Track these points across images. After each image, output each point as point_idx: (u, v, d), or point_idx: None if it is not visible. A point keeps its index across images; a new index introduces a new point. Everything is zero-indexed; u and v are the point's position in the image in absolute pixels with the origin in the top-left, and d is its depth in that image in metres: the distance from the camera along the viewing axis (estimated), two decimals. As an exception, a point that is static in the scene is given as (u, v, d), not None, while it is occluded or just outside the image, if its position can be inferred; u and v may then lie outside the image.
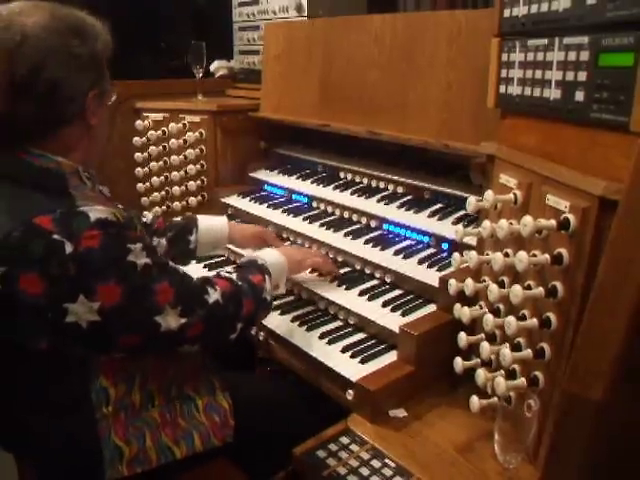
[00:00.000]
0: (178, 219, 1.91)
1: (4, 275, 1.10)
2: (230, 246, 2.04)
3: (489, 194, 1.29)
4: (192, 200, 2.53)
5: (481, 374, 1.28)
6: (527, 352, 1.19)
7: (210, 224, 1.90)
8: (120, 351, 1.25)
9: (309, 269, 1.82)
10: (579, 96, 1.11)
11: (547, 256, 1.12)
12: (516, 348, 1.23)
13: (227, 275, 1.45)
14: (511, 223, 1.21)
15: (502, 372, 1.26)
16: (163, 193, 2.57)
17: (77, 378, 1.27)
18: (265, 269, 1.53)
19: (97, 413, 1.29)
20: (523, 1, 1.27)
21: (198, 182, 2.53)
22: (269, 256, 1.62)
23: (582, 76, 1.10)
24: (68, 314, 1.13)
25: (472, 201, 1.32)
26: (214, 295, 1.33)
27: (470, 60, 1.74)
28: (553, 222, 1.10)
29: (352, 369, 1.47)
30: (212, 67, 3.03)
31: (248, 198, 2.43)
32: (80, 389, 1.28)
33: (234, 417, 1.46)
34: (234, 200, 2.45)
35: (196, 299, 1.30)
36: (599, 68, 1.05)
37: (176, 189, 2.53)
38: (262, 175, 2.52)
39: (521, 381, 1.21)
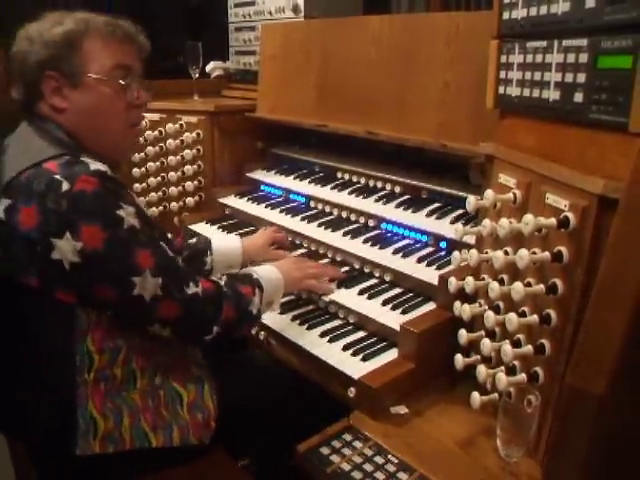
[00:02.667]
0: (192, 241, 1.93)
1: (8, 207, 1.24)
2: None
3: (489, 193, 1.31)
4: (189, 200, 2.54)
5: (482, 370, 1.30)
6: (527, 348, 1.22)
7: (224, 247, 1.92)
8: (96, 303, 1.29)
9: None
10: (578, 97, 1.13)
11: (547, 254, 1.14)
12: (516, 344, 1.25)
13: (214, 279, 1.46)
14: (511, 222, 1.23)
15: (503, 368, 1.28)
16: (160, 193, 2.58)
17: (66, 331, 1.30)
18: (257, 283, 1.53)
19: (78, 376, 1.31)
20: (522, 4, 1.29)
21: (195, 182, 2.54)
22: (265, 272, 1.61)
23: (581, 78, 1.12)
24: (54, 249, 1.21)
25: (472, 200, 1.34)
26: (194, 289, 1.36)
27: (468, 61, 1.76)
28: (553, 220, 1.12)
29: (354, 367, 1.49)
30: (208, 68, 3.04)
31: (245, 198, 2.44)
32: (66, 345, 1.30)
33: (218, 419, 1.47)
34: (231, 200, 2.46)
35: (176, 281, 1.33)
36: (598, 70, 1.07)
37: (173, 189, 2.54)
38: (259, 175, 2.54)
39: (522, 377, 1.23)
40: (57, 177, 1.22)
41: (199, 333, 1.40)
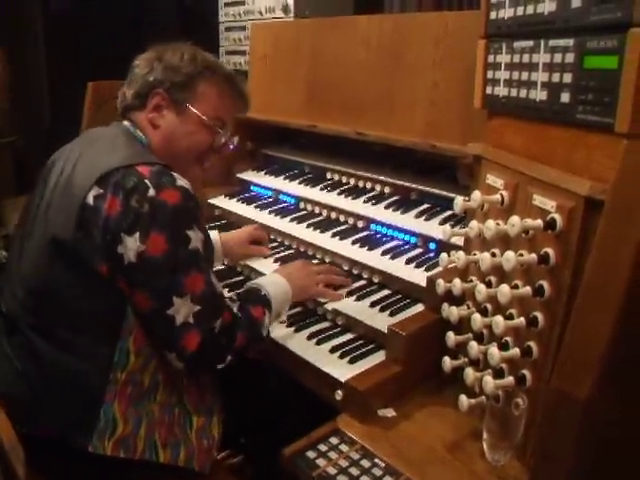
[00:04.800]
0: None
1: (98, 195, 1.31)
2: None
3: (476, 194, 1.30)
4: (179, 201, 2.52)
5: (469, 373, 1.29)
6: (515, 351, 1.21)
7: None
8: (132, 307, 1.33)
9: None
10: (565, 97, 1.12)
11: (534, 256, 1.13)
12: (504, 347, 1.24)
13: (229, 304, 1.46)
14: (498, 223, 1.22)
15: (490, 371, 1.27)
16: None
17: (116, 324, 1.33)
18: (267, 302, 1.53)
19: (112, 374, 1.33)
20: (509, 3, 1.28)
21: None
22: (273, 286, 1.60)
23: (568, 78, 1.11)
24: (121, 244, 1.28)
25: (459, 201, 1.33)
26: (219, 322, 1.37)
27: (457, 61, 1.75)
28: (540, 222, 1.12)
29: (341, 369, 1.47)
30: (198, 67, 3.02)
31: (235, 199, 2.42)
32: (112, 339, 1.33)
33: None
34: (221, 201, 2.44)
35: (210, 314, 1.36)
36: (584, 70, 1.07)
37: (162, 190, 2.52)
38: (249, 176, 2.52)
39: (509, 380, 1.22)
40: (146, 181, 1.30)
41: (213, 364, 1.41)
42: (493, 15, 1.36)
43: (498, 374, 1.25)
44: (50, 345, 1.35)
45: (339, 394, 1.43)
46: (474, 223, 1.26)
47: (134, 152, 1.41)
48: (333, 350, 1.56)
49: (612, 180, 0.95)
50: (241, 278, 2.01)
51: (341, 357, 1.53)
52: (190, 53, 1.54)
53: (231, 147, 1.66)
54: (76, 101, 2.97)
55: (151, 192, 1.29)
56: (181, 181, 1.34)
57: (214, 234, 1.98)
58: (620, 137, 0.98)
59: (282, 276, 1.67)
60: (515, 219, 1.13)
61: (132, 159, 1.35)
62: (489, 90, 1.39)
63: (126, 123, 1.53)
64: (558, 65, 1.13)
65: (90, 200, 1.30)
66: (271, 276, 1.69)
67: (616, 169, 0.97)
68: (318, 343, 1.60)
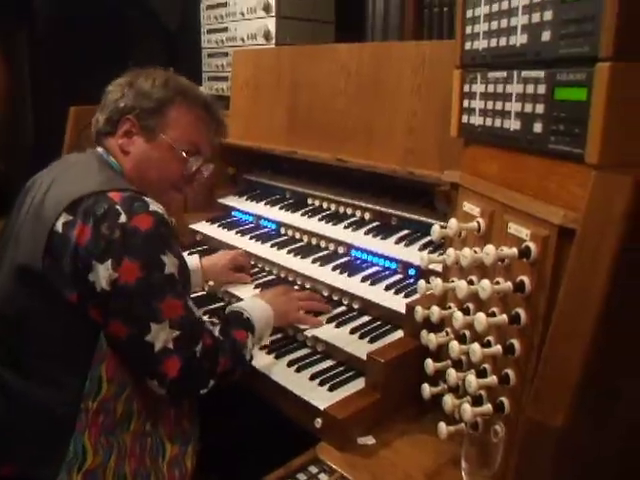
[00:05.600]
0: None
1: (67, 222, 1.30)
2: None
3: (453, 222, 1.32)
4: (160, 226, 2.51)
5: (448, 401, 1.29)
6: (492, 378, 1.21)
7: None
8: (106, 335, 1.31)
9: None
10: (537, 127, 1.14)
11: (510, 284, 1.14)
12: (482, 374, 1.24)
13: (211, 328, 1.44)
14: (475, 251, 1.23)
15: (469, 398, 1.27)
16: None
17: (87, 352, 1.31)
18: (250, 326, 1.52)
19: (83, 402, 1.30)
20: (483, 35, 1.31)
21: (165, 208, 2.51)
22: (256, 310, 1.60)
23: (540, 108, 1.13)
24: (92, 271, 1.27)
25: (436, 229, 1.34)
26: (199, 346, 1.35)
27: (434, 89, 1.77)
28: (515, 250, 1.13)
29: (320, 397, 1.47)
30: (181, 93, 3.04)
31: (217, 224, 2.42)
32: (83, 366, 1.31)
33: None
34: (202, 226, 2.44)
35: (190, 339, 1.34)
36: (555, 101, 1.09)
37: (143, 215, 2.51)
38: (230, 201, 2.52)
39: (487, 407, 1.22)
40: (118, 207, 1.29)
41: (195, 389, 1.39)
42: (468, 46, 1.38)
43: (476, 401, 1.25)
44: (17, 374, 1.33)
45: (318, 422, 1.42)
46: (451, 251, 1.27)
47: (106, 178, 1.40)
48: (313, 377, 1.56)
49: (582, 210, 0.96)
50: (221, 304, 2.01)
51: (321, 384, 1.53)
52: (162, 78, 1.54)
53: (205, 174, 1.65)
54: (59, 125, 2.96)
55: (122, 218, 1.28)
56: (154, 206, 1.33)
57: (195, 259, 1.98)
58: (590, 167, 0.99)
59: (264, 300, 1.66)
60: (490, 248, 1.14)
61: (103, 185, 1.35)
62: (465, 119, 1.41)
63: (99, 149, 1.53)
64: (530, 96, 1.15)
65: (59, 227, 1.29)
66: (253, 300, 1.69)
67: (587, 196, 0.99)
68: (298, 370, 1.60)
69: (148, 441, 1.38)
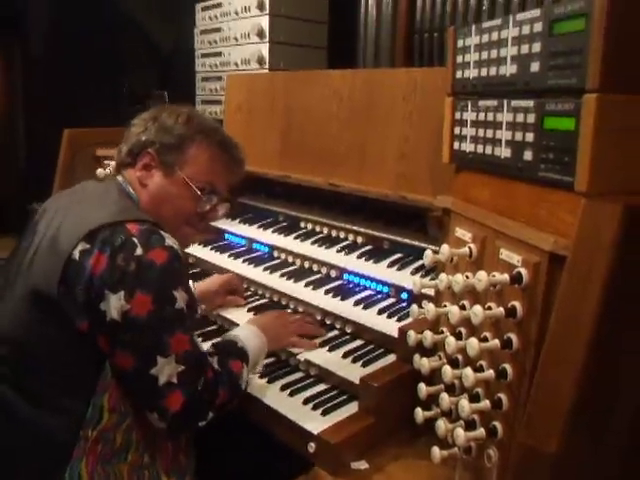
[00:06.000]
0: None
1: (84, 250, 1.30)
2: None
3: (445, 248, 1.33)
4: (152, 249, 2.51)
5: (441, 425, 1.29)
6: (485, 403, 1.21)
7: None
8: (112, 365, 1.32)
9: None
10: (528, 155, 1.16)
11: (501, 309, 1.15)
12: (474, 399, 1.24)
13: (209, 360, 1.45)
14: (467, 276, 1.24)
15: (462, 423, 1.27)
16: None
17: (91, 381, 1.32)
18: (245, 355, 1.53)
19: (82, 430, 1.30)
20: (474, 64, 1.34)
21: (179, 243, 2.52)
22: (250, 338, 1.60)
23: (529, 137, 1.15)
24: (104, 300, 1.27)
25: (429, 254, 1.35)
26: (202, 381, 1.36)
27: (426, 115, 1.80)
28: (506, 276, 1.14)
29: (314, 421, 1.47)
30: (174, 116, 3.06)
31: (209, 247, 2.43)
32: (85, 395, 1.31)
33: None
34: (195, 249, 2.44)
35: (194, 374, 1.35)
36: (545, 130, 1.11)
37: (136, 238, 2.51)
38: (223, 224, 2.53)
39: (480, 432, 1.22)
40: (134, 239, 1.30)
41: (195, 423, 1.39)
42: (459, 74, 1.41)
43: (470, 426, 1.26)
44: (21, 397, 1.33)
45: (312, 447, 1.42)
46: (443, 276, 1.29)
47: (124, 208, 1.41)
48: (306, 402, 1.56)
49: (572, 238, 0.98)
50: (214, 327, 2.01)
51: (314, 409, 1.53)
52: (185, 116, 1.56)
53: (220, 213, 1.67)
54: (52, 147, 2.98)
55: (139, 251, 1.29)
56: (170, 240, 1.35)
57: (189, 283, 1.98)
58: (580, 195, 1.02)
59: (257, 327, 1.67)
60: (482, 274, 1.15)
61: (121, 215, 1.36)
62: (456, 145, 1.44)
63: (119, 178, 1.55)
64: (520, 124, 1.18)
65: (76, 255, 1.30)
66: (247, 327, 1.69)
67: (576, 224, 1.01)
68: (291, 394, 1.60)
69: (145, 474, 1.38)
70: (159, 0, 4.10)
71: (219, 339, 1.63)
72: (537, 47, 1.11)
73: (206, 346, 1.57)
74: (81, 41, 4.15)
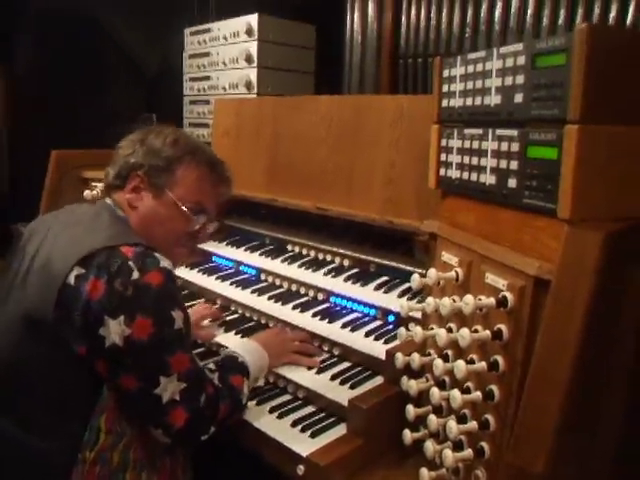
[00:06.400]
0: None
1: (80, 275, 1.31)
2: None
3: (432, 272, 1.36)
4: (139, 271, 2.51)
5: (429, 446, 1.31)
6: (472, 424, 1.23)
7: None
8: (114, 388, 1.33)
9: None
10: (512, 183, 1.20)
11: (488, 332, 1.18)
12: (462, 420, 1.27)
13: (210, 376, 1.47)
14: (454, 300, 1.27)
15: (450, 444, 1.29)
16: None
17: (88, 404, 1.32)
18: (245, 370, 1.56)
19: (80, 453, 1.31)
20: (459, 94, 1.38)
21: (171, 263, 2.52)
22: (251, 353, 1.63)
23: (514, 165, 1.19)
24: (104, 326, 1.28)
25: (416, 278, 1.38)
26: (204, 396, 1.39)
27: (412, 141, 1.84)
28: (492, 300, 1.17)
29: (302, 444, 1.47)
30: (161, 139, 3.09)
31: (196, 269, 2.44)
32: (83, 418, 1.31)
33: None
34: (182, 272, 2.45)
35: (196, 390, 1.38)
36: (528, 159, 1.15)
37: (123, 260, 2.52)
38: (210, 247, 2.54)
39: (468, 452, 1.24)
40: (130, 264, 1.31)
41: (198, 437, 1.41)
42: (445, 103, 1.46)
43: (457, 447, 1.28)
44: (14, 421, 1.33)
45: (300, 469, 1.42)
46: (431, 299, 1.31)
47: (117, 231, 1.43)
48: (295, 424, 1.57)
49: (556, 263, 1.02)
50: (202, 349, 2.01)
51: (303, 431, 1.54)
52: (173, 137, 1.58)
53: (210, 231, 1.69)
54: (37, 168, 2.98)
55: (135, 275, 1.30)
56: (164, 262, 1.36)
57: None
58: (563, 222, 1.05)
59: (258, 343, 1.69)
60: (469, 298, 1.19)
61: (115, 239, 1.37)
62: (443, 172, 1.48)
63: (109, 201, 1.56)
64: (505, 153, 1.22)
65: (71, 280, 1.31)
66: (247, 343, 1.71)
67: (560, 250, 1.05)
68: (279, 417, 1.60)
69: None
70: (147, 23, 4.15)
71: (220, 356, 1.67)
72: (520, 79, 1.16)
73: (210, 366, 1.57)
74: (66, 63, 4.17)
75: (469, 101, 1.35)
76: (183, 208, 1.55)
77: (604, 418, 1.06)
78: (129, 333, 1.28)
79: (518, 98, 1.16)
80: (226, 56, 2.82)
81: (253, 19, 2.67)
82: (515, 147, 1.19)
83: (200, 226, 1.62)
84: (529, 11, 2.55)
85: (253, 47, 2.67)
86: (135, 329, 1.29)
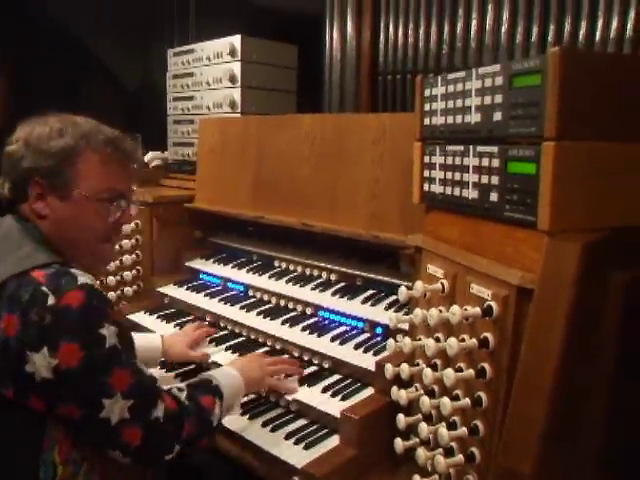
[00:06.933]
0: None
1: None
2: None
3: (419, 285, 1.41)
4: (128, 290, 2.53)
5: (421, 454, 1.35)
6: (462, 430, 1.28)
7: (142, 344, 1.78)
8: (58, 419, 1.24)
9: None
10: (493, 197, 1.26)
11: (475, 340, 1.23)
12: (452, 427, 1.31)
13: (176, 393, 1.43)
14: (440, 310, 1.32)
15: (441, 450, 1.33)
16: (97, 282, 2.56)
17: (35, 441, 1.24)
18: (218, 392, 1.50)
19: None
20: (440, 112, 1.44)
21: (134, 272, 2.55)
22: (225, 377, 1.58)
23: (495, 180, 1.25)
24: (28, 362, 1.19)
25: (403, 291, 1.43)
26: (159, 410, 1.32)
27: (395, 158, 1.89)
28: (478, 310, 1.22)
29: (297, 456, 1.51)
30: (147, 158, 3.12)
31: (184, 287, 2.46)
32: (33, 456, 1.23)
33: None
34: (170, 289, 2.48)
35: (146, 404, 1.31)
36: (508, 174, 1.21)
37: (111, 279, 2.54)
38: (197, 264, 2.57)
39: (459, 458, 1.28)
40: (44, 289, 1.21)
41: (160, 455, 1.35)
42: (427, 121, 1.51)
43: (448, 453, 1.32)
44: None
45: (296, 481, 1.45)
46: (418, 311, 1.36)
47: (25, 254, 1.29)
48: (288, 436, 1.60)
49: (537, 273, 1.07)
50: (192, 367, 2.03)
51: (296, 443, 1.57)
52: (58, 127, 1.40)
53: (133, 214, 1.56)
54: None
55: (51, 300, 1.20)
56: (83, 277, 1.26)
57: (157, 340, 1.96)
58: (543, 233, 1.11)
59: (235, 369, 1.67)
60: (456, 308, 1.23)
61: (24, 264, 1.26)
62: (426, 187, 1.53)
63: (13, 217, 1.40)
64: (486, 168, 1.28)
65: None
66: (223, 368, 1.70)
67: (541, 260, 1.10)
68: (273, 430, 1.64)
69: None
70: (129, 43, 4.18)
71: (195, 379, 1.61)
72: (499, 98, 1.22)
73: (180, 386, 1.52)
74: (47, 82, 4.17)
75: (450, 119, 1.40)
76: (96, 201, 1.40)
77: (584, 428, 1.10)
78: (56, 363, 1.18)
79: (497, 116, 1.22)
80: (210, 76, 2.86)
81: (236, 40, 2.72)
82: (496, 163, 1.24)
83: (120, 213, 1.47)
84: (503, 28, 2.64)
85: (237, 67, 2.72)
86: (62, 357, 1.19)
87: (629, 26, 2.28)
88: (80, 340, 1.21)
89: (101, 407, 1.23)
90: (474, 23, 2.70)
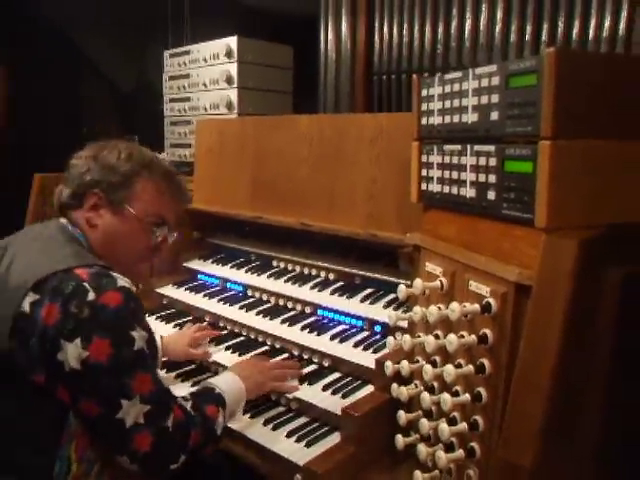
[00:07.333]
0: None
1: (34, 302, 1.28)
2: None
3: (418, 282, 1.42)
4: (126, 291, 2.53)
5: (422, 450, 1.36)
6: (462, 425, 1.29)
7: None
8: (76, 414, 1.29)
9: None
10: (491, 195, 1.27)
11: (474, 337, 1.25)
12: (452, 422, 1.32)
13: (182, 403, 1.46)
14: (439, 308, 1.34)
15: (441, 446, 1.35)
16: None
17: (55, 435, 1.29)
18: (221, 401, 1.54)
19: None
20: (438, 112, 1.46)
21: (136, 279, 2.55)
22: (228, 385, 1.62)
23: (492, 178, 1.27)
24: (61, 350, 1.25)
25: (403, 289, 1.44)
26: (169, 421, 1.36)
27: (392, 158, 1.91)
28: (477, 306, 1.24)
29: (298, 453, 1.52)
30: (143, 160, 3.12)
31: (183, 288, 2.48)
32: (51, 450, 1.28)
33: None
34: (169, 290, 2.49)
35: (161, 412, 1.35)
36: (505, 172, 1.23)
37: (110, 281, 2.54)
38: (196, 265, 2.59)
39: (459, 453, 1.30)
40: (85, 285, 1.29)
41: (166, 464, 1.38)
42: (424, 121, 1.53)
43: (449, 448, 1.34)
44: None
45: (298, 478, 1.47)
46: (417, 308, 1.38)
47: (71, 253, 1.38)
48: (289, 435, 1.61)
49: (535, 270, 1.09)
50: (192, 367, 2.04)
51: (298, 441, 1.58)
52: (127, 152, 1.56)
53: (171, 241, 1.68)
54: (19, 192, 2.99)
55: (91, 296, 1.27)
56: (122, 281, 1.33)
57: (157, 337, 1.94)
58: (540, 231, 1.13)
59: (236, 374, 1.69)
60: (455, 305, 1.25)
61: (69, 261, 1.34)
62: (424, 186, 1.54)
63: (63, 221, 1.52)
64: (483, 167, 1.29)
65: (26, 307, 1.27)
66: (225, 375, 1.71)
67: (538, 257, 1.12)
68: (274, 428, 1.65)
69: None
70: (126, 45, 4.19)
71: (198, 387, 1.64)
72: (495, 98, 1.24)
73: (184, 388, 1.57)
74: (45, 85, 4.18)
75: (447, 119, 1.42)
76: (144, 222, 1.54)
77: (582, 423, 1.11)
78: (86, 356, 1.25)
79: (494, 116, 1.24)
80: (206, 77, 2.88)
81: (232, 41, 2.73)
82: (493, 162, 1.26)
83: (162, 238, 1.61)
84: (497, 28, 2.66)
85: (233, 68, 2.73)
86: (92, 351, 1.25)
87: (621, 25, 2.31)
88: (111, 338, 1.28)
89: (119, 407, 1.28)
90: (468, 23, 2.73)
